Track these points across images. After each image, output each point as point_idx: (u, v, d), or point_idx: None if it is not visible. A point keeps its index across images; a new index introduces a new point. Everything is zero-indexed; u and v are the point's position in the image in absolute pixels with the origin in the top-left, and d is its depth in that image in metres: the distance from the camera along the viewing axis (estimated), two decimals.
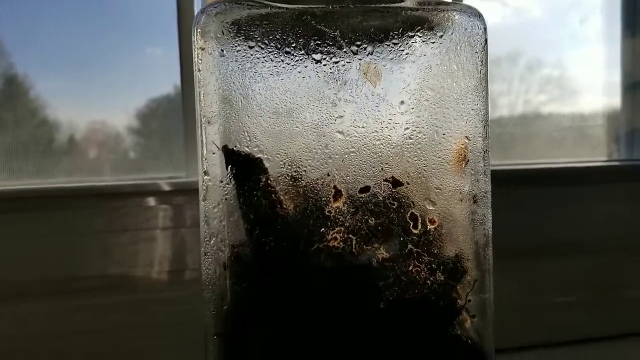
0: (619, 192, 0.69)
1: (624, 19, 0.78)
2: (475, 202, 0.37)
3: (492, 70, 0.72)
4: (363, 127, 0.35)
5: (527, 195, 0.65)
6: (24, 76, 0.61)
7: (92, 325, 0.55)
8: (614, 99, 0.79)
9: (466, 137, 0.36)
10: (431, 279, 0.36)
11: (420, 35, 0.35)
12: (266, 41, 0.33)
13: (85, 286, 0.55)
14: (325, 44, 0.34)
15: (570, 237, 0.66)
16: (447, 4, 0.36)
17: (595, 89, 0.79)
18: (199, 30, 0.34)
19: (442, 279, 0.36)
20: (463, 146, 0.36)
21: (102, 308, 0.55)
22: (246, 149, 0.34)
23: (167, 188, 0.57)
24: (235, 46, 0.33)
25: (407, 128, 0.35)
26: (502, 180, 0.62)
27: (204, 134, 0.34)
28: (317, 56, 0.34)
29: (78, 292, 0.55)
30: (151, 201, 0.57)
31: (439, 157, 0.36)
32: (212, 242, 0.35)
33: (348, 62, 0.34)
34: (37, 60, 0.61)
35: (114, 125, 0.63)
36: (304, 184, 0.34)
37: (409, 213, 0.35)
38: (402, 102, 0.35)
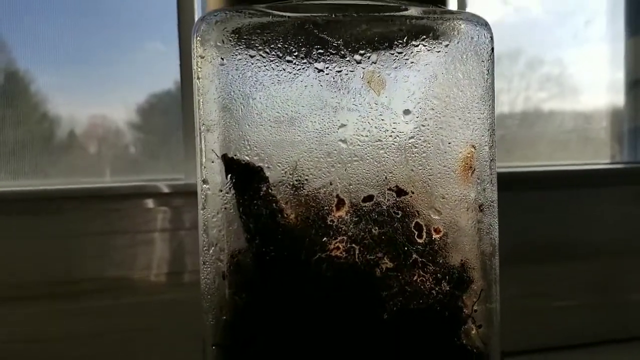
0: (624, 194, 0.68)
1: (628, 17, 0.78)
2: (481, 211, 0.36)
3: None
4: (367, 135, 0.34)
5: (529, 198, 0.64)
6: (24, 71, 0.60)
7: (89, 328, 0.54)
8: (617, 97, 0.78)
9: (472, 145, 0.36)
10: (436, 289, 0.35)
11: (425, 44, 0.34)
12: (267, 50, 0.33)
13: (82, 289, 0.54)
14: (328, 53, 0.33)
15: (574, 240, 0.66)
16: (453, 12, 0.36)
17: (599, 88, 0.79)
18: (198, 38, 0.33)
19: (448, 288, 0.35)
20: (469, 155, 0.36)
21: (99, 311, 0.55)
22: (246, 157, 0.33)
23: (166, 190, 0.56)
24: (236, 55, 0.33)
25: (412, 137, 0.35)
26: (504, 183, 0.61)
27: (203, 141, 0.34)
28: (320, 65, 0.33)
29: (75, 294, 0.54)
30: (150, 203, 0.56)
31: (444, 166, 0.35)
32: (211, 251, 0.34)
33: (351, 71, 0.34)
34: (38, 55, 0.60)
35: (114, 120, 0.63)
36: (306, 192, 0.34)
37: (413, 222, 0.35)
38: (406, 111, 0.34)
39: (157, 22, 0.64)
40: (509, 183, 0.63)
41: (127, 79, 0.63)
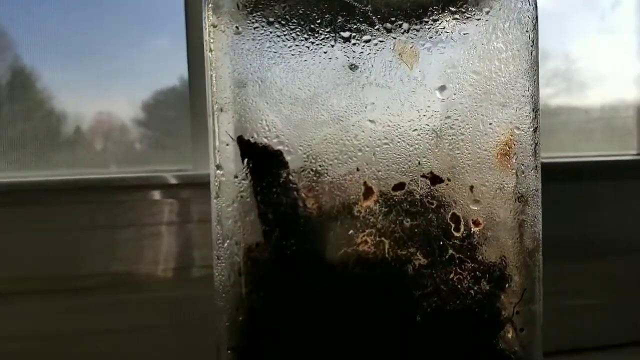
0: None
1: None
2: (524, 201, 0.33)
3: None
4: (398, 115, 0.31)
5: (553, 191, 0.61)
6: (30, 68, 0.59)
7: (93, 324, 0.51)
8: None
9: (516, 127, 0.32)
10: (475, 288, 0.32)
11: (464, 10, 0.31)
12: (287, 17, 0.29)
13: (87, 284, 0.52)
14: (355, 21, 0.30)
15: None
16: None
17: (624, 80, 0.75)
18: (210, 5, 0.30)
19: (488, 288, 0.32)
20: (512, 138, 0.32)
21: (103, 307, 0.52)
22: (264, 140, 0.30)
23: (173, 181, 0.53)
24: (252, 23, 0.29)
25: (448, 117, 0.31)
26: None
27: (216, 123, 0.30)
28: (346, 34, 0.30)
29: (79, 290, 0.51)
30: (156, 195, 0.53)
31: (484, 150, 0.32)
32: (226, 244, 0.31)
33: (381, 42, 0.30)
34: (43, 51, 0.58)
35: (120, 117, 0.61)
36: (330, 179, 0.31)
37: (449, 213, 0.31)
38: (442, 87, 0.31)
39: (163, 18, 0.62)
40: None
41: (132, 75, 0.60)
